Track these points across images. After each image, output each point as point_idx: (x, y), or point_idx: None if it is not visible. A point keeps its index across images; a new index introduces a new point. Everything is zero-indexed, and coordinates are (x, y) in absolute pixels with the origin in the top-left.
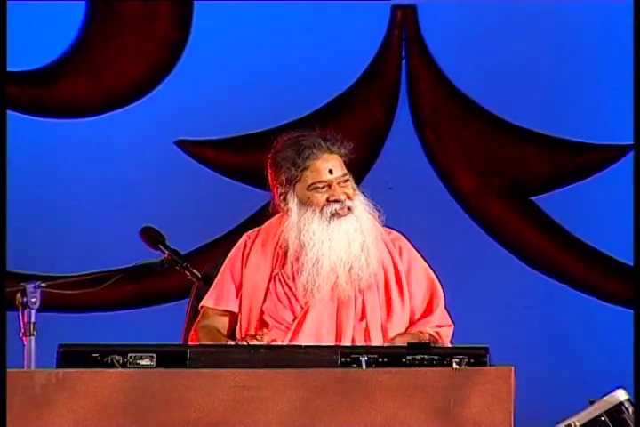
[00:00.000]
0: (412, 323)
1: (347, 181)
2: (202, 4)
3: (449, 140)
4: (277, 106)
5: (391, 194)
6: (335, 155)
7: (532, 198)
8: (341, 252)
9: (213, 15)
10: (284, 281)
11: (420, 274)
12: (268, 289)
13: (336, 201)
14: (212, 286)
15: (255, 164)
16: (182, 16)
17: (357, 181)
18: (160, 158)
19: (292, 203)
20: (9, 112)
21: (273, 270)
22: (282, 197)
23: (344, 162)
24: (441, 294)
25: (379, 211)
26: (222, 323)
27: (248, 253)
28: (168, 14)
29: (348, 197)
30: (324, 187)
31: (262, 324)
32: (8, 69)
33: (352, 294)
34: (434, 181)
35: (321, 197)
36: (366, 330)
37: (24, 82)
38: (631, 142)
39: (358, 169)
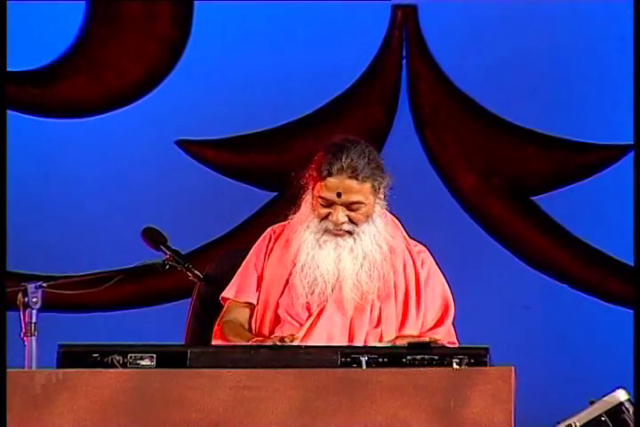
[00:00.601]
0: (417, 336)
1: (358, 208)
2: (202, 3)
3: (449, 140)
4: (277, 106)
5: (391, 194)
6: (354, 181)
7: (533, 198)
8: (327, 266)
9: (213, 15)
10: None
11: (436, 290)
12: (287, 283)
13: (334, 221)
14: (234, 278)
15: (255, 164)
16: (182, 16)
17: None
18: (160, 158)
19: (306, 199)
20: (9, 112)
21: (295, 265)
22: (305, 188)
23: (373, 187)
24: (452, 312)
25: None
26: (244, 315)
27: (272, 247)
28: (168, 14)
29: (353, 222)
30: (327, 203)
31: (277, 318)
32: (8, 69)
33: (368, 303)
34: (434, 181)
35: (323, 210)
36: (380, 337)
37: (24, 82)
38: (631, 142)
39: None
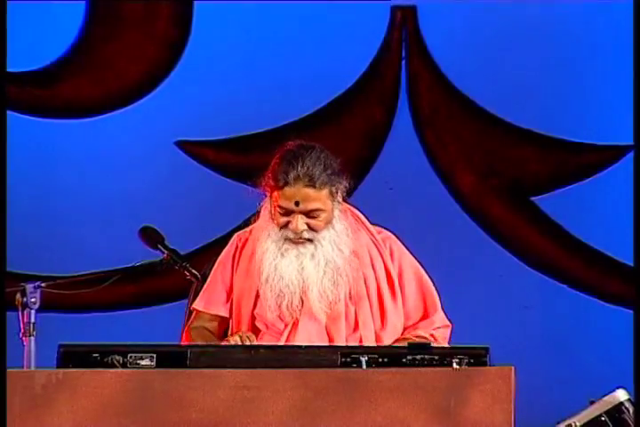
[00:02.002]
0: (411, 325)
1: (318, 215)
2: (202, 4)
3: (449, 141)
4: (277, 106)
5: (391, 194)
6: (311, 189)
7: (532, 199)
8: (290, 276)
9: (213, 15)
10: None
11: (410, 275)
12: (258, 295)
13: (293, 229)
14: (203, 289)
15: (255, 164)
16: (182, 16)
17: (358, 182)
18: (160, 159)
19: (265, 206)
20: (9, 112)
21: (262, 275)
22: (264, 195)
23: (331, 192)
24: (434, 292)
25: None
26: (212, 326)
27: (239, 256)
28: (168, 14)
29: (313, 229)
30: (286, 212)
31: (254, 329)
32: (8, 70)
33: (341, 310)
34: (434, 182)
35: (282, 219)
36: (360, 340)
37: (24, 82)
38: (630, 143)
39: (358, 169)
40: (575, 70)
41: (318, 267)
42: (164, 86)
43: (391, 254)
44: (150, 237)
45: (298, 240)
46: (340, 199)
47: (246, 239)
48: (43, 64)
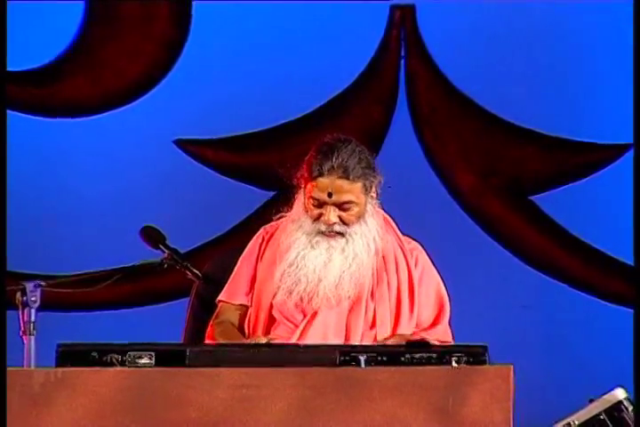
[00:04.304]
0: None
1: (349, 207)
2: (201, 4)
3: (448, 140)
4: (276, 105)
5: (390, 193)
6: (345, 181)
7: (531, 198)
8: (315, 266)
9: (212, 15)
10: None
11: (430, 289)
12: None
13: (325, 221)
14: (229, 281)
15: (254, 163)
16: (181, 16)
17: None
18: (159, 158)
19: (299, 199)
20: (8, 112)
21: (286, 261)
22: (297, 188)
23: (364, 186)
24: (447, 310)
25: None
26: (236, 317)
27: (264, 248)
28: (167, 14)
29: (344, 222)
30: (319, 204)
31: (271, 319)
32: (8, 69)
33: (362, 305)
34: (433, 181)
35: (315, 211)
36: (374, 338)
37: (24, 82)
38: (630, 142)
39: None
40: (575, 70)
41: (345, 261)
42: (163, 86)
43: (416, 264)
44: (151, 236)
45: (329, 233)
46: (375, 195)
47: (274, 231)
48: (42, 63)
